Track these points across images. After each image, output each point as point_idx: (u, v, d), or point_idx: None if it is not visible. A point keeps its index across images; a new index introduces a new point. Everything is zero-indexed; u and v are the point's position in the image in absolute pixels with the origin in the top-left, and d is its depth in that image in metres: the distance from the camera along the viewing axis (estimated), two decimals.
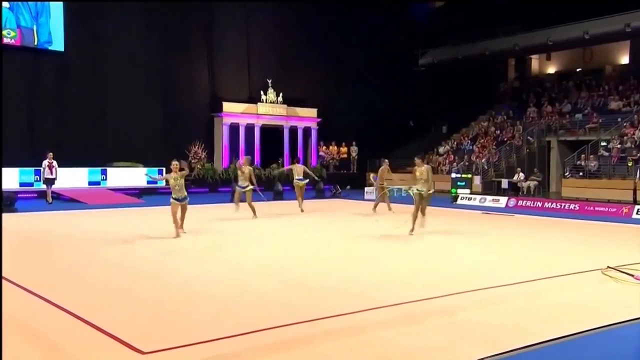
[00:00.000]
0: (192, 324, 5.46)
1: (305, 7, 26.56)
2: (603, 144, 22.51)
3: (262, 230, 12.28)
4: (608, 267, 8.04)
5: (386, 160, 16.62)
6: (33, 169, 19.58)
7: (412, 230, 11.41)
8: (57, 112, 21.26)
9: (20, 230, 11.97)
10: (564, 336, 5.14)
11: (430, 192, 11.67)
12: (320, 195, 21.58)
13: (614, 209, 16.66)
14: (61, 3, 21.67)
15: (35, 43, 21.33)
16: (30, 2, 21.20)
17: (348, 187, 20.61)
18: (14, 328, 5.32)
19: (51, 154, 18.10)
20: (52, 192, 18.24)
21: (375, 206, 15.88)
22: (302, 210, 15.56)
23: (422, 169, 11.56)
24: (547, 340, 5.02)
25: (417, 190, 11.47)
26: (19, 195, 16.83)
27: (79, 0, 21.65)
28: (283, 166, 25.65)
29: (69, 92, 21.63)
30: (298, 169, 16.23)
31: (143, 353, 4.62)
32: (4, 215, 13.22)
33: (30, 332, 5.29)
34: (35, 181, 19.95)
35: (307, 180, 16.46)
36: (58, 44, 21.67)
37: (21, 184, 19.62)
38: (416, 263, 8.85)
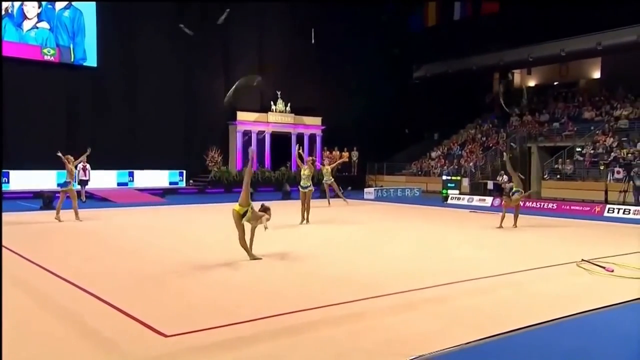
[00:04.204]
0: (213, 310, 5.47)
1: (311, 26, 26.70)
2: (578, 149, 22.51)
3: (274, 227, 12.26)
4: (582, 260, 8.04)
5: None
6: None
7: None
8: (90, 120, 21.36)
9: (56, 225, 12.06)
10: (544, 322, 5.16)
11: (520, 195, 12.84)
12: (323, 195, 21.60)
13: (587, 208, 16.63)
14: (95, 24, 21.79)
15: (72, 60, 21.49)
16: (66, 21, 21.31)
17: (349, 188, 20.66)
18: (51, 310, 5.40)
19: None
20: (86, 192, 18.32)
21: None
22: (307, 221, 12.50)
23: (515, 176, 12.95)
24: (530, 325, 5.04)
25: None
26: (56, 195, 16.87)
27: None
28: (291, 169, 25.67)
29: (101, 103, 21.76)
30: (307, 172, 12.80)
31: (166, 336, 4.61)
32: (44, 212, 13.29)
33: (64, 313, 5.33)
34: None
35: (312, 188, 12.86)
36: (91, 60, 21.83)
37: (58, 185, 19.69)
38: (412, 256, 8.87)
